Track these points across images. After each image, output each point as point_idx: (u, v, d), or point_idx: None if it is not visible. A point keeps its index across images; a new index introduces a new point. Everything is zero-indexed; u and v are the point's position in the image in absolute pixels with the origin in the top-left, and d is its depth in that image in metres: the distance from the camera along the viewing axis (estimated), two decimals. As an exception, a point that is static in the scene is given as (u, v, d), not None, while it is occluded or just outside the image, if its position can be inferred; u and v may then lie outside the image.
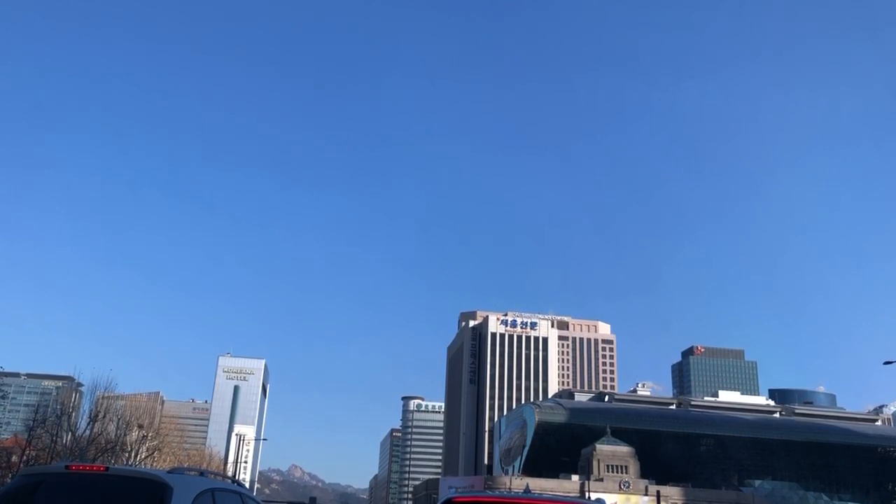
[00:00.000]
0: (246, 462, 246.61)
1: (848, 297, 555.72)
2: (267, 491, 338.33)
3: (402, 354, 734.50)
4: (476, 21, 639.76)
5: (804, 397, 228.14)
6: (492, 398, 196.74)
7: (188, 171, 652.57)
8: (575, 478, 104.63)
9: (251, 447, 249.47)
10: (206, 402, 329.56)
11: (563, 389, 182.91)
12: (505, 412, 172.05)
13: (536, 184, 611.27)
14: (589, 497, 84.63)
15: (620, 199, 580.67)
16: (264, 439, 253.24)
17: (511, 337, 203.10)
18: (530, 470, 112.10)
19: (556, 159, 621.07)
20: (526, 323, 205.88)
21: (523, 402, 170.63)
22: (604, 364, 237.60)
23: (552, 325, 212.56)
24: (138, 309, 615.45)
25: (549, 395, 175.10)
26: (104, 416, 60.11)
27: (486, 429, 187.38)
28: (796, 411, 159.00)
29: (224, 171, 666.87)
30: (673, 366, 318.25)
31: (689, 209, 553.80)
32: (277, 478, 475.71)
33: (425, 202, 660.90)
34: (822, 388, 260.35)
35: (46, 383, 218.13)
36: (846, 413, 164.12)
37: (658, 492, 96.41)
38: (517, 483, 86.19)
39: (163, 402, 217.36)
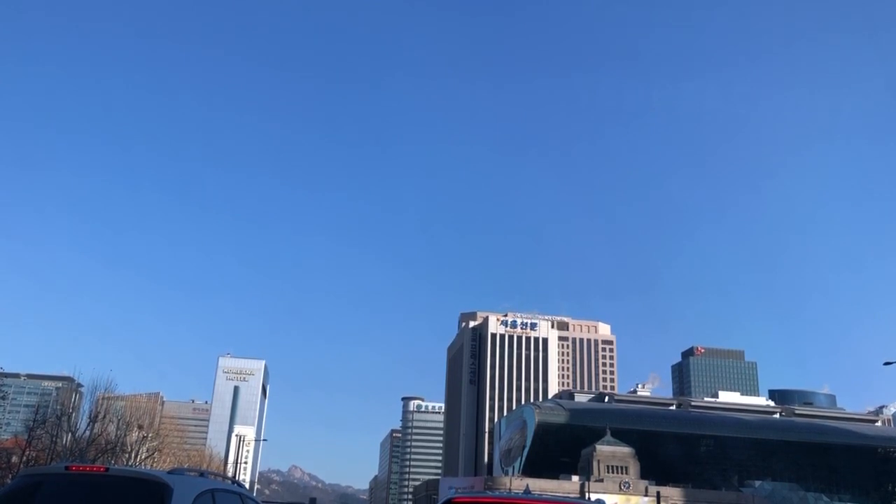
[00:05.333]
0: (246, 462, 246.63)
1: (848, 297, 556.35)
2: (267, 492, 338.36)
3: (402, 354, 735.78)
4: (476, 20, 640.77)
5: (804, 398, 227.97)
6: (492, 399, 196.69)
7: (189, 170, 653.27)
8: (575, 478, 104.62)
9: (251, 447, 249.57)
10: (206, 402, 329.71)
11: (563, 390, 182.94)
12: (505, 413, 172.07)
13: (536, 184, 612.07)
14: (589, 498, 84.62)
15: (620, 198, 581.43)
16: (264, 440, 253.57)
17: (511, 337, 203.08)
18: (530, 470, 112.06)
19: (556, 159, 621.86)
20: (526, 323, 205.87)
21: (523, 402, 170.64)
22: (604, 364, 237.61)
23: (552, 326, 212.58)
24: (138, 309, 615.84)
25: (549, 396, 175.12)
26: (104, 417, 60.04)
27: (486, 429, 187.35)
28: (796, 412, 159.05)
29: (225, 170, 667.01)
30: (673, 366, 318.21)
31: (689, 209, 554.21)
32: (277, 478, 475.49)
33: (426, 201, 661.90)
34: (825, 389, 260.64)
35: (46, 384, 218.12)
36: (846, 413, 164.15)
37: (658, 492, 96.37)
38: (517, 483, 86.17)
39: (163, 403, 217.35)
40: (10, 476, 43.71)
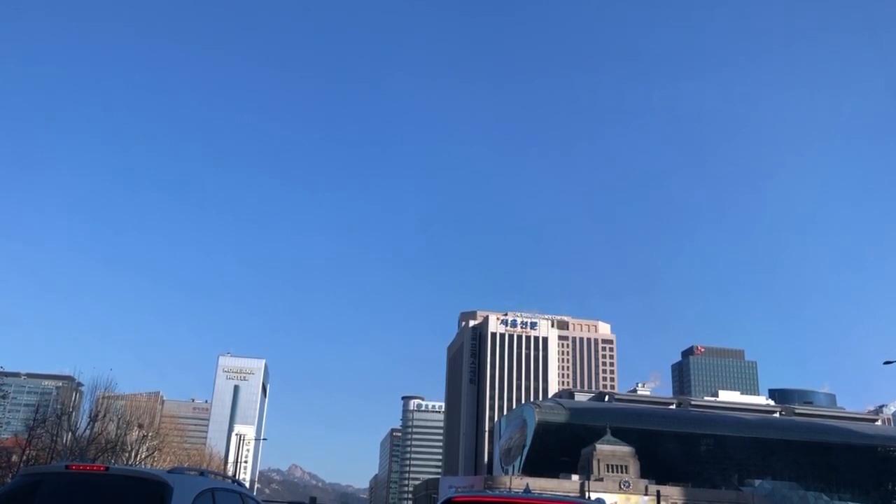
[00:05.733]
0: (246, 462, 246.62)
1: (847, 297, 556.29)
2: (267, 491, 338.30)
3: (402, 354, 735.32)
4: (476, 20, 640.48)
5: (804, 397, 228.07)
6: (492, 398, 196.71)
7: (189, 170, 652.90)
8: (575, 477, 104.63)
9: (251, 447, 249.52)
10: (206, 401, 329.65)
11: (563, 389, 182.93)
12: (505, 412, 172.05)
13: (536, 184, 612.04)
14: (589, 497, 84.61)
15: (620, 198, 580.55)
16: (264, 439, 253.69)
17: (511, 337, 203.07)
18: (530, 470, 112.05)
19: (556, 159, 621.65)
20: (526, 323, 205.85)
21: (523, 401, 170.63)
22: (604, 364, 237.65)
23: (552, 325, 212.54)
24: (138, 309, 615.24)
25: (549, 395, 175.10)
26: (104, 416, 60.04)
27: (486, 429, 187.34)
28: (796, 411, 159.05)
29: (225, 170, 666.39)
30: (673, 366, 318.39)
31: (689, 209, 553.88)
32: (277, 477, 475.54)
33: (426, 201, 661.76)
34: (825, 388, 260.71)
35: (46, 383, 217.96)
36: (846, 413, 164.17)
37: (658, 491, 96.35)
38: (517, 483, 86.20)
39: (163, 402, 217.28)
40: (11, 475, 43.72)
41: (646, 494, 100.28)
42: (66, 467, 8.45)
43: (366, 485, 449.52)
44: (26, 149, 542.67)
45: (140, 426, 73.12)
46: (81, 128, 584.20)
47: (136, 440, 70.35)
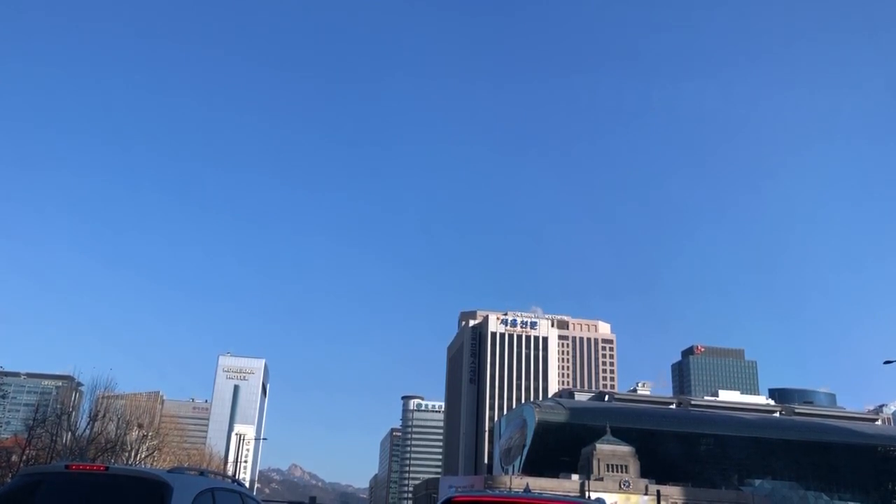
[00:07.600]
0: (246, 461, 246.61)
1: (847, 297, 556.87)
2: (267, 490, 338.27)
3: (402, 354, 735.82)
4: (476, 20, 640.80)
5: (804, 397, 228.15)
6: (492, 398, 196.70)
7: (189, 170, 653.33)
8: (575, 477, 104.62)
9: (251, 447, 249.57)
10: (206, 401, 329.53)
11: (563, 389, 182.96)
12: (505, 412, 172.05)
13: (536, 184, 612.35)
14: (589, 496, 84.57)
15: (620, 198, 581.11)
16: (264, 439, 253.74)
17: (511, 336, 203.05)
18: (530, 469, 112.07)
19: (556, 159, 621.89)
20: (526, 322, 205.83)
21: (523, 401, 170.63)
22: (604, 364, 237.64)
23: (552, 325, 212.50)
24: (138, 309, 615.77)
25: (549, 395, 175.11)
26: (104, 416, 59.98)
27: (486, 428, 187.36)
28: (796, 411, 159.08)
29: (225, 170, 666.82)
30: (673, 365, 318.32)
31: (689, 209, 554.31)
32: (277, 477, 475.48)
33: (426, 201, 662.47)
34: (826, 388, 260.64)
35: (46, 383, 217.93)
36: (846, 412, 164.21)
37: (658, 491, 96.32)
38: (517, 482, 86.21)
39: (163, 402, 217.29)
40: (10, 475, 43.70)
41: (646, 494, 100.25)
42: (66, 467, 8.43)
43: (366, 485, 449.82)
44: (26, 149, 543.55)
45: (140, 426, 73.10)
46: (81, 128, 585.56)
47: (136, 440, 70.32)
